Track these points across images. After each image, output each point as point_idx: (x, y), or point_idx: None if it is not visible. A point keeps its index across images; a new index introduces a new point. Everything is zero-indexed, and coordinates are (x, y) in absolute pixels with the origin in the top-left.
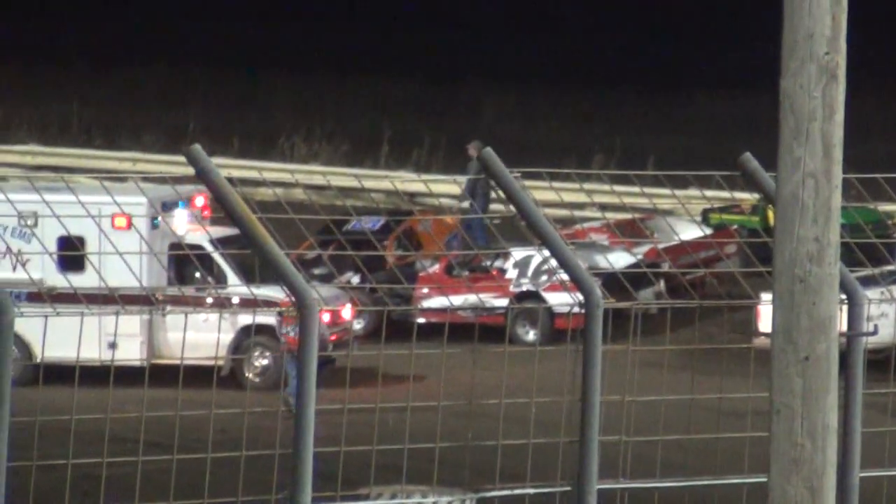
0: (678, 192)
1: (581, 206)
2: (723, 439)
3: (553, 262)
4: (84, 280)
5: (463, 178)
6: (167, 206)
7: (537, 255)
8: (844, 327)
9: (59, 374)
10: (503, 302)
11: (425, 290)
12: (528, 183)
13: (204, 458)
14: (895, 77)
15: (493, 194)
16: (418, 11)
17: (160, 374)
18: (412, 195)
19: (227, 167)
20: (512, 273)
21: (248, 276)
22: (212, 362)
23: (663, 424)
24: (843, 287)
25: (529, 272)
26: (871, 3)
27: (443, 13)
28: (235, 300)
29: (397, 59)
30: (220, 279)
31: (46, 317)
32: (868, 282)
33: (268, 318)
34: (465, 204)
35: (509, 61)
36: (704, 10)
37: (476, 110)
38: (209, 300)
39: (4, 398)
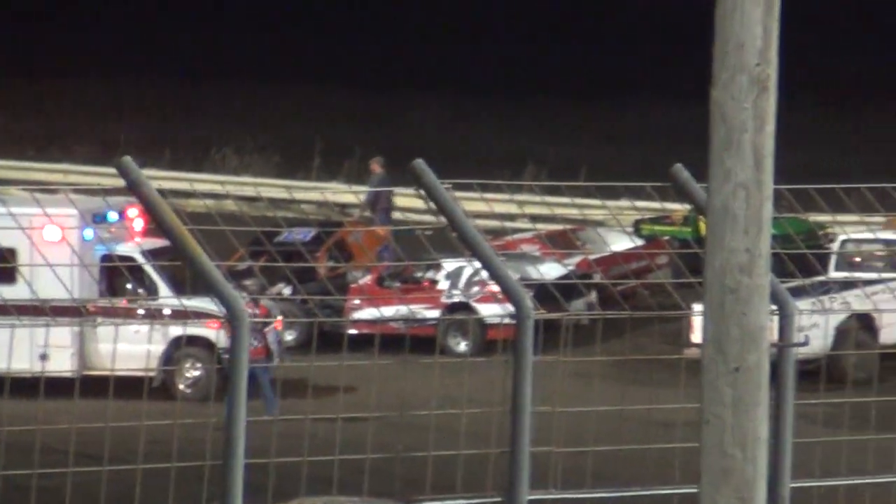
0: (609, 203)
1: (512, 217)
2: (653, 450)
3: (484, 274)
4: (15, 292)
5: (362, 189)
6: (98, 218)
7: (468, 267)
8: (775, 338)
9: None
10: (434, 313)
11: (356, 302)
12: (459, 194)
13: (135, 469)
14: (826, 88)
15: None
16: (350, 21)
17: (91, 386)
18: (343, 206)
19: (159, 179)
20: (443, 284)
21: (179, 288)
22: (143, 373)
23: (594, 435)
24: (774, 298)
25: (461, 283)
26: (802, 13)
27: (375, 23)
28: (167, 311)
29: (329, 70)
30: (152, 291)
31: None
32: (799, 292)
33: (199, 330)
34: (367, 213)
35: (442, 71)
36: (637, 20)
37: (408, 120)
38: (140, 312)
39: None
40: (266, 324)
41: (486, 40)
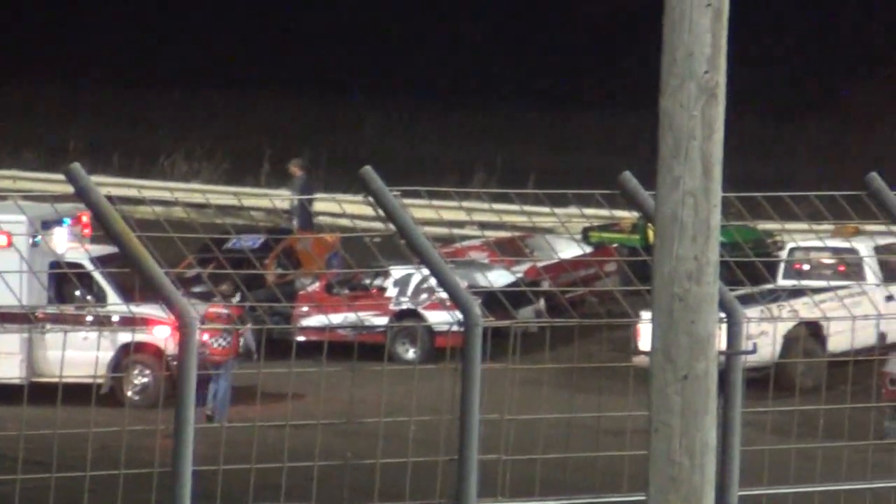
0: (558, 211)
1: (461, 224)
2: (602, 457)
3: (432, 281)
4: None
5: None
6: (47, 225)
7: (417, 274)
8: (724, 346)
9: None
10: (383, 320)
11: (305, 309)
12: (407, 201)
13: (83, 476)
14: (775, 96)
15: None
16: (300, 28)
17: (40, 393)
18: (292, 214)
19: (108, 185)
20: (392, 291)
21: (127, 295)
22: (91, 380)
23: (542, 443)
24: (723, 306)
25: (409, 291)
26: (752, 21)
27: (325, 30)
28: (115, 318)
29: (278, 77)
30: (100, 297)
31: None
32: (747, 300)
33: (148, 337)
34: (295, 222)
35: (391, 78)
36: (587, 27)
37: (357, 127)
38: (89, 318)
39: None
40: (241, 324)
41: (435, 48)
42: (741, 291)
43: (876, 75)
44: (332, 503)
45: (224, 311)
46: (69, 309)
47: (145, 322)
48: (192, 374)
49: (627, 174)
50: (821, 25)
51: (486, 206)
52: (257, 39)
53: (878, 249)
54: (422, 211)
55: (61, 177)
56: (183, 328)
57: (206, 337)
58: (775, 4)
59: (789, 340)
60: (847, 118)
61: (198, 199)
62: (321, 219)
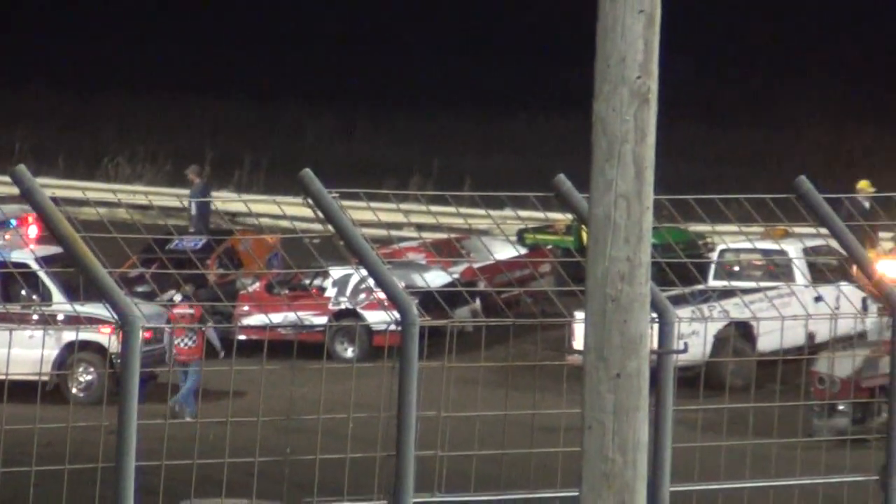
0: (493, 213)
1: (399, 225)
2: (536, 454)
3: (371, 281)
4: None
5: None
6: None
7: (355, 274)
8: (655, 345)
9: None
10: (322, 319)
11: (246, 308)
12: (346, 203)
13: (28, 471)
14: (706, 100)
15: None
16: (240, 32)
17: None
18: (233, 215)
19: (52, 187)
20: (331, 291)
21: (72, 294)
22: (36, 378)
23: (478, 439)
24: (655, 306)
25: (348, 291)
26: (683, 27)
27: (263, 34)
28: (60, 317)
29: (219, 82)
30: (46, 297)
31: None
32: (679, 301)
33: (92, 335)
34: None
35: (330, 82)
36: (521, 32)
37: (297, 131)
38: (34, 317)
39: None
40: (202, 323)
41: (372, 53)
42: (673, 292)
43: (802, 81)
44: (272, 497)
45: (189, 311)
46: (14, 308)
47: (91, 321)
48: (135, 371)
49: (561, 177)
50: (750, 32)
51: (423, 208)
52: (199, 44)
53: (807, 251)
54: (360, 213)
55: (7, 178)
56: (126, 327)
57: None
58: (706, 12)
59: (720, 340)
60: (775, 123)
61: (141, 200)
62: (262, 220)
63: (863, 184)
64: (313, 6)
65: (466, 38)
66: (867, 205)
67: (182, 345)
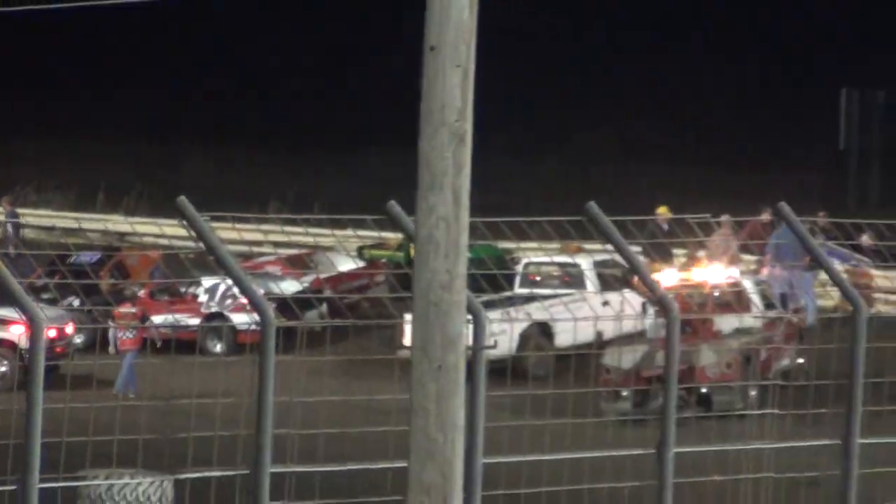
0: (337, 232)
1: (259, 243)
2: (372, 433)
3: (236, 289)
4: None
5: (136, 220)
6: None
7: (223, 284)
8: (470, 342)
9: None
10: (196, 321)
11: (134, 311)
12: (215, 224)
13: None
14: (514, 136)
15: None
16: (130, 77)
17: None
18: (122, 235)
19: None
20: (203, 298)
21: None
22: None
23: (325, 420)
24: (470, 309)
25: (217, 297)
26: (496, 72)
27: (150, 82)
28: None
29: (111, 123)
30: None
31: None
32: (490, 305)
33: (4, 333)
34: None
35: (205, 124)
36: (362, 82)
37: (177, 164)
38: None
39: None
40: (143, 320)
41: (241, 98)
42: (485, 298)
43: (599, 119)
44: (155, 469)
45: (132, 310)
46: None
47: (3, 322)
48: (40, 364)
49: (393, 203)
50: (553, 76)
51: (279, 228)
52: (97, 90)
53: (596, 264)
54: (226, 233)
55: None
56: (33, 327)
57: (118, 332)
58: (515, 60)
59: (524, 338)
60: (571, 157)
61: (46, 222)
62: (146, 239)
63: (662, 209)
64: (187, 63)
65: (320, 85)
66: (665, 227)
67: (124, 336)
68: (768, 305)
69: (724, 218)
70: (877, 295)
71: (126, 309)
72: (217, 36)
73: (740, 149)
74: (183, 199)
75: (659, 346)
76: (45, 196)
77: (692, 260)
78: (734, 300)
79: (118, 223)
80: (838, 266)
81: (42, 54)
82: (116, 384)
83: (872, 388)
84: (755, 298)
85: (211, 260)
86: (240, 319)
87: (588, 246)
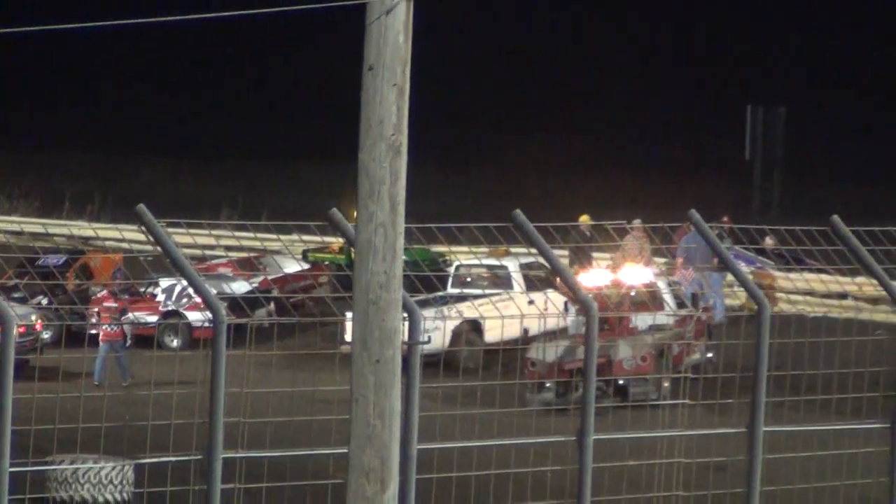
0: (283, 237)
1: (211, 247)
2: (317, 420)
3: (190, 289)
4: None
5: (99, 226)
6: None
7: (179, 284)
8: (406, 337)
9: None
10: (154, 318)
11: (96, 310)
12: (171, 230)
13: None
14: (448, 148)
15: None
16: (91, 96)
17: None
18: (86, 239)
19: None
20: (161, 297)
21: None
22: None
23: (272, 409)
24: (406, 307)
25: (173, 296)
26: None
27: (110, 100)
28: None
29: (76, 138)
30: None
31: None
32: (424, 303)
33: None
34: None
35: (161, 140)
36: (304, 99)
37: (135, 176)
38: None
39: None
40: (122, 314)
41: (195, 115)
42: (419, 297)
43: (527, 132)
44: (116, 454)
45: (114, 304)
46: None
47: None
48: (10, 357)
49: (335, 210)
50: (484, 94)
51: (230, 234)
52: (64, 107)
53: (522, 266)
54: (181, 237)
55: None
56: (3, 324)
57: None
58: (450, 77)
59: (456, 334)
60: (500, 169)
61: (15, 227)
62: (108, 243)
63: (584, 217)
64: (144, 83)
65: (267, 103)
66: (588, 233)
67: (108, 328)
68: (680, 304)
69: (636, 222)
70: (779, 295)
71: (109, 304)
72: (173, 58)
73: (657, 160)
74: (142, 206)
75: (579, 342)
76: (14, 204)
77: (616, 263)
78: (649, 299)
79: (83, 228)
80: (744, 268)
81: (8, 75)
82: (96, 374)
83: (775, 380)
84: (668, 298)
85: (168, 262)
86: (194, 317)
87: (514, 250)
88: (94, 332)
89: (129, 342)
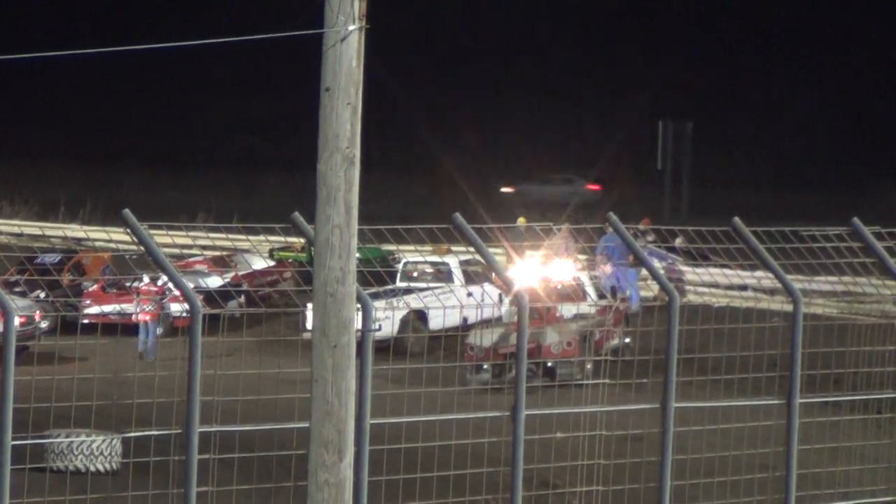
0: (252, 238)
1: (189, 246)
2: (281, 399)
3: (170, 284)
4: None
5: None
6: None
7: (161, 279)
8: (360, 325)
9: None
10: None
11: (88, 302)
12: (153, 231)
13: None
14: (395, 159)
15: None
16: (81, 108)
17: None
18: (79, 240)
19: None
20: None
21: None
22: None
23: (242, 389)
24: (359, 299)
25: None
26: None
27: (97, 112)
28: None
29: (68, 148)
30: None
31: None
32: (375, 296)
33: None
34: None
35: (143, 148)
36: (269, 112)
37: (119, 183)
38: None
39: None
40: (162, 298)
41: (171, 124)
42: (371, 290)
43: (461, 141)
44: (105, 428)
45: (154, 288)
46: None
47: None
48: (12, 344)
49: (296, 214)
50: (423, 111)
51: (205, 235)
52: (57, 126)
53: (462, 262)
54: (162, 238)
55: None
56: (5, 315)
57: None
58: (391, 98)
59: (403, 322)
60: (445, 173)
61: (16, 230)
62: (98, 243)
63: (521, 219)
64: (130, 100)
65: (239, 118)
66: (523, 232)
67: (146, 309)
68: (601, 296)
69: (565, 226)
70: (688, 287)
71: (149, 287)
72: (155, 80)
73: (581, 171)
74: (127, 211)
75: (512, 329)
76: (15, 208)
77: (546, 258)
78: (573, 291)
79: (76, 230)
80: (657, 264)
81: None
82: (147, 351)
83: (684, 362)
84: (590, 290)
85: (150, 260)
86: (176, 307)
87: (455, 248)
88: (85, 321)
89: (159, 329)
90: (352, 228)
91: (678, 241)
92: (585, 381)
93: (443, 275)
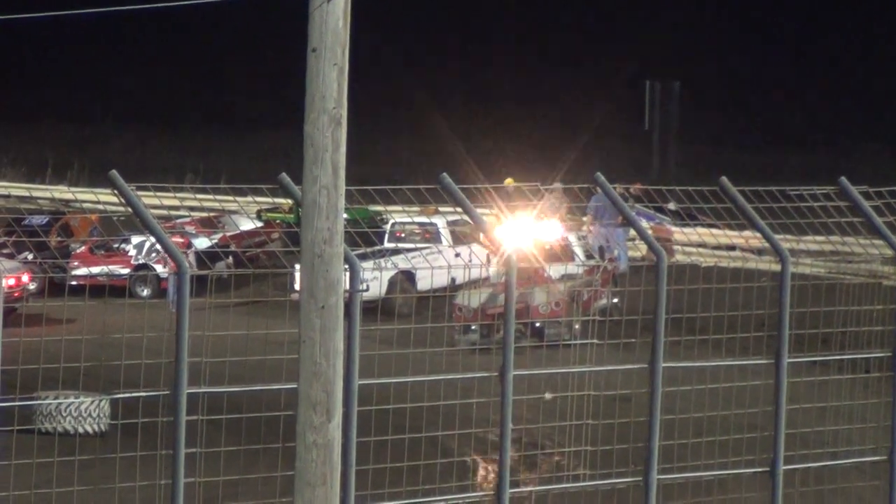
0: (240, 199)
1: (177, 208)
2: (269, 360)
3: (158, 246)
4: None
5: (78, 189)
6: None
7: (148, 241)
8: (348, 286)
9: None
10: (126, 271)
11: (76, 263)
12: (141, 193)
13: None
14: (381, 120)
15: None
16: (65, 75)
17: None
18: (66, 202)
19: None
20: (132, 252)
21: None
22: None
23: (230, 350)
24: (347, 260)
25: (143, 251)
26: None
27: (80, 74)
28: None
29: (53, 110)
30: None
31: None
32: (363, 256)
33: None
34: None
35: (131, 109)
36: (265, 75)
37: (107, 145)
38: None
39: None
40: (189, 248)
41: (162, 90)
42: (359, 251)
43: (455, 104)
44: (94, 390)
45: (181, 240)
46: None
47: None
48: None
49: (284, 175)
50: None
51: (192, 196)
52: (43, 88)
53: (449, 223)
54: (149, 199)
55: None
56: None
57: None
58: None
59: (391, 283)
60: (427, 137)
61: (3, 192)
62: (85, 205)
63: (509, 180)
64: (114, 61)
65: (224, 79)
66: (510, 192)
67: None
68: (588, 256)
69: (555, 185)
70: (675, 247)
71: (176, 239)
72: (142, 40)
73: (569, 129)
74: (114, 172)
75: (501, 289)
76: (2, 170)
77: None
78: (561, 252)
79: (63, 192)
80: (645, 224)
81: None
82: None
83: (672, 322)
84: (578, 250)
85: (138, 222)
86: (162, 269)
87: (442, 209)
88: (73, 283)
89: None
90: (339, 189)
91: (671, 206)
92: (574, 342)
93: (431, 235)
